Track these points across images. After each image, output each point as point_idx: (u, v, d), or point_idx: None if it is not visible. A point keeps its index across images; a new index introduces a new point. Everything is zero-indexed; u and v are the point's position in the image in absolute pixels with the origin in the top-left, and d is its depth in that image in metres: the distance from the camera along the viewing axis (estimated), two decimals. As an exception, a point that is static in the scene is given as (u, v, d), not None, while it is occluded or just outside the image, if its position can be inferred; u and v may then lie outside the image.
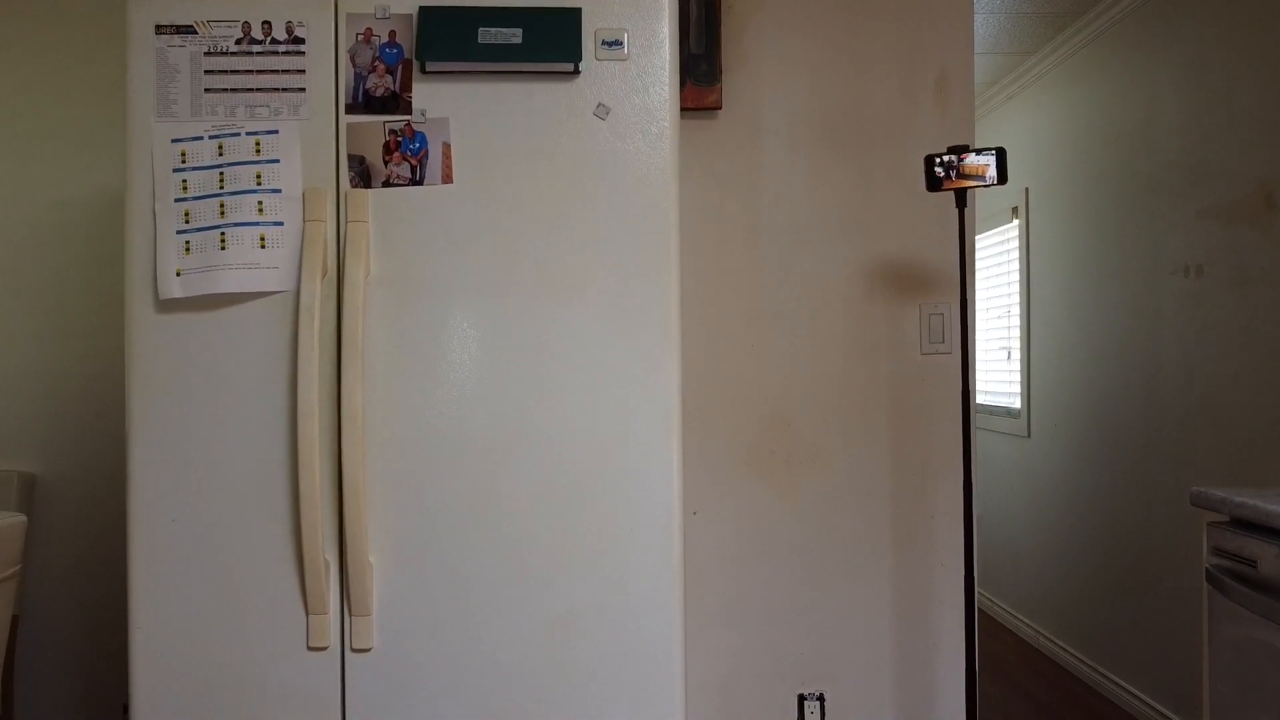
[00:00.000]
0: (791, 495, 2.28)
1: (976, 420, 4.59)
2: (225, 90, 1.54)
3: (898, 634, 2.29)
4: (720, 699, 2.28)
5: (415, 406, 1.56)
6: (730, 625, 2.28)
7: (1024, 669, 3.74)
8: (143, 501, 1.57)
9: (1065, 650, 3.73)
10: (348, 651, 1.57)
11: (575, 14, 1.54)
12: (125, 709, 1.57)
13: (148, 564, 1.57)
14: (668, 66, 1.58)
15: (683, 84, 2.17)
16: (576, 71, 1.56)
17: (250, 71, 1.54)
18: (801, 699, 2.28)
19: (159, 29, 1.54)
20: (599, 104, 1.57)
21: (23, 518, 1.68)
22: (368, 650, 1.56)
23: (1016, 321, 4.22)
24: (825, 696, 2.28)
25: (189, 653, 1.57)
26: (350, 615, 1.56)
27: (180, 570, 1.57)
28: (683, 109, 2.18)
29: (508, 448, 1.57)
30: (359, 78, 1.55)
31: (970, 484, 2.03)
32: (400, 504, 1.56)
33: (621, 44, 1.56)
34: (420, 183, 1.55)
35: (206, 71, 1.54)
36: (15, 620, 2.30)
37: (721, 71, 2.22)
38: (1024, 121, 4.12)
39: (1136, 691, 3.18)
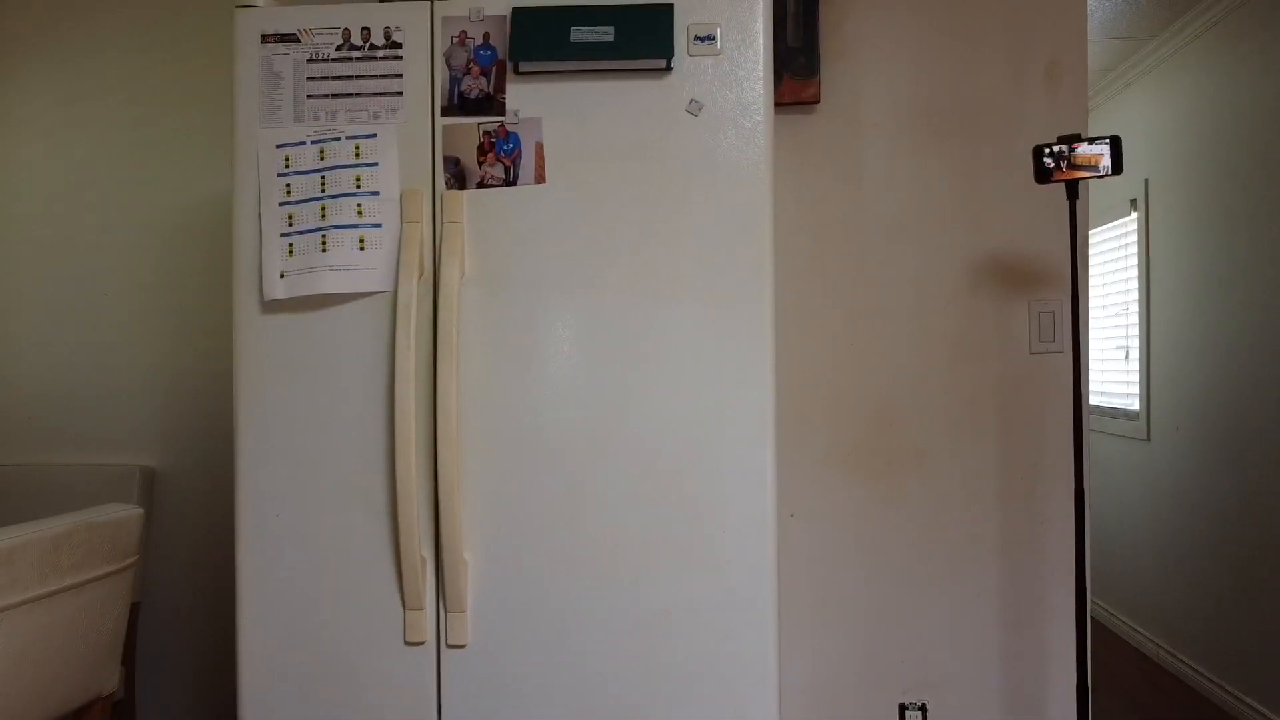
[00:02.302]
0: (893, 498, 2.22)
1: (1090, 422, 4.40)
2: (326, 96, 1.58)
3: (1005, 644, 2.20)
4: (817, 705, 2.24)
5: (509, 404, 1.57)
6: (828, 630, 2.23)
7: (1143, 684, 3.57)
8: (250, 496, 1.62)
9: (1188, 665, 3.55)
10: (443, 647, 1.59)
11: (668, 10, 1.53)
12: (235, 692, 1.63)
13: (254, 556, 1.62)
14: (761, 60, 1.55)
15: (779, 78, 2.13)
16: (669, 68, 1.54)
17: (350, 77, 1.57)
18: (902, 708, 2.21)
19: (264, 38, 1.59)
20: (691, 100, 1.55)
21: (139, 510, 1.76)
22: (463, 646, 1.58)
23: (1135, 319, 4.03)
24: (927, 706, 2.21)
25: (293, 641, 1.61)
26: (446, 611, 1.58)
27: (284, 562, 1.61)
28: (779, 103, 2.15)
29: (600, 446, 1.56)
30: (454, 80, 1.56)
31: (1083, 489, 1.93)
32: (494, 501, 1.57)
33: (714, 39, 1.54)
34: (514, 183, 1.56)
35: (309, 78, 1.58)
36: (137, 607, 2.41)
37: (820, 64, 2.18)
38: (1142, 110, 3.93)
39: (1268, 713, 3.00)
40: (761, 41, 1.55)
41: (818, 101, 2.19)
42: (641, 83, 1.55)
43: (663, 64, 1.54)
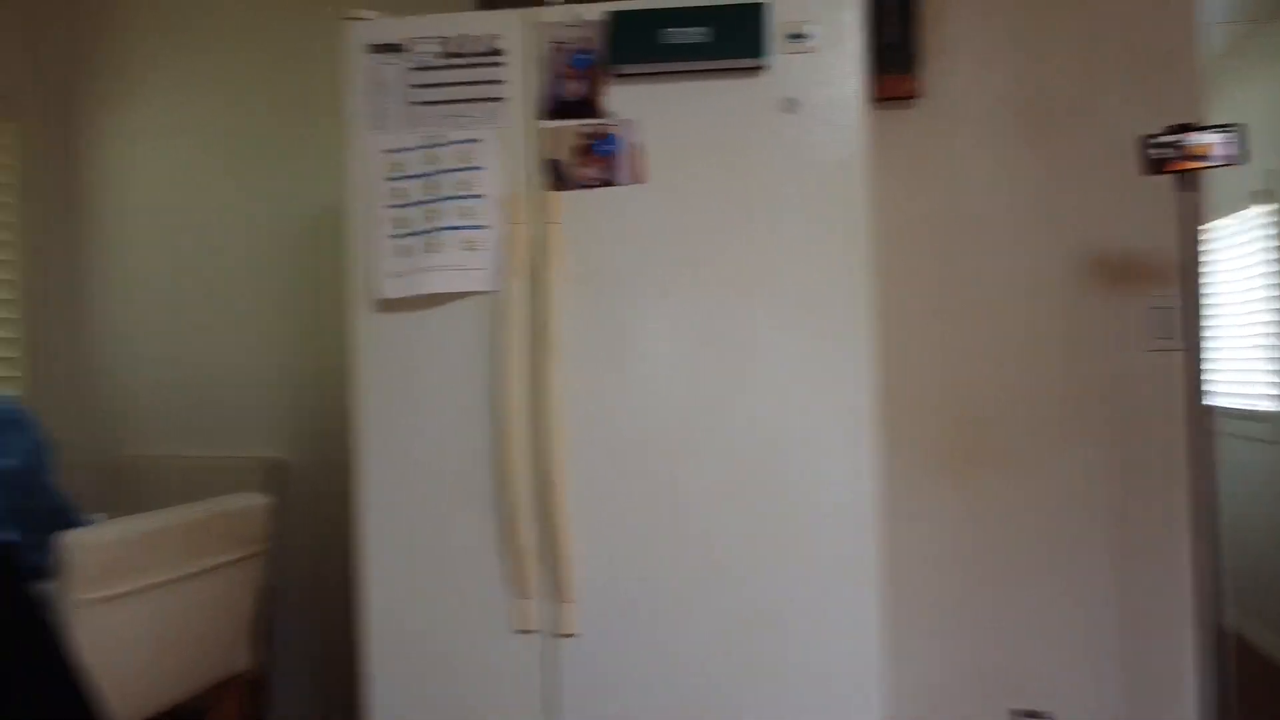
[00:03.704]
0: (997, 501, 2.18)
1: (1213, 423, 4.18)
2: (431, 103, 1.65)
3: (1125, 653, 2.13)
4: (923, 710, 2.21)
5: (608, 401, 1.61)
6: (933, 634, 2.20)
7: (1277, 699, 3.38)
8: (369, 487, 1.71)
9: (1328, 678, 3.34)
10: (552, 636, 1.64)
11: (762, 9, 1.54)
12: (360, 677, 1.72)
13: (374, 545, 1.71)
14: (856, 57, 1.55)
15: (876, 74, 2.12)
16: (763, 66, 1.56)
17: (453, 84, 1.64)
18: (1014, 715, 2.17)
19: (372, 48, 1.67)
20: (786, 98, 1.56)
21: (266, 500, 1.87)
22: (570, 636, 1.63)
23: (1266, 315, 3.82)
24: (1042, 715, 2.16)
25: (410, 626, 1.69)
26: (554, 601, 1.63)
27: (401, 551, 1.69)
28: (877, 99, 2.13)
29: (698, 443, 1.59)
30: (553, 84, 1.61)
31: (1212, 492, 1.86)
32: (596, 495, 1.62)
33: (809, 36, 1.55)
34: (611, 183, 1.60)
35: (414, 85, 1.65)
36: (271, 591, 2.56)
37: (918, 59, 2.15)
38: (1266, 95, 3.72)
39: None
40: (857, 38, 1.55)
41: (916, 97, 2.16)
42: (736, 82, 1.57)
43: (757, 63, 1.55)
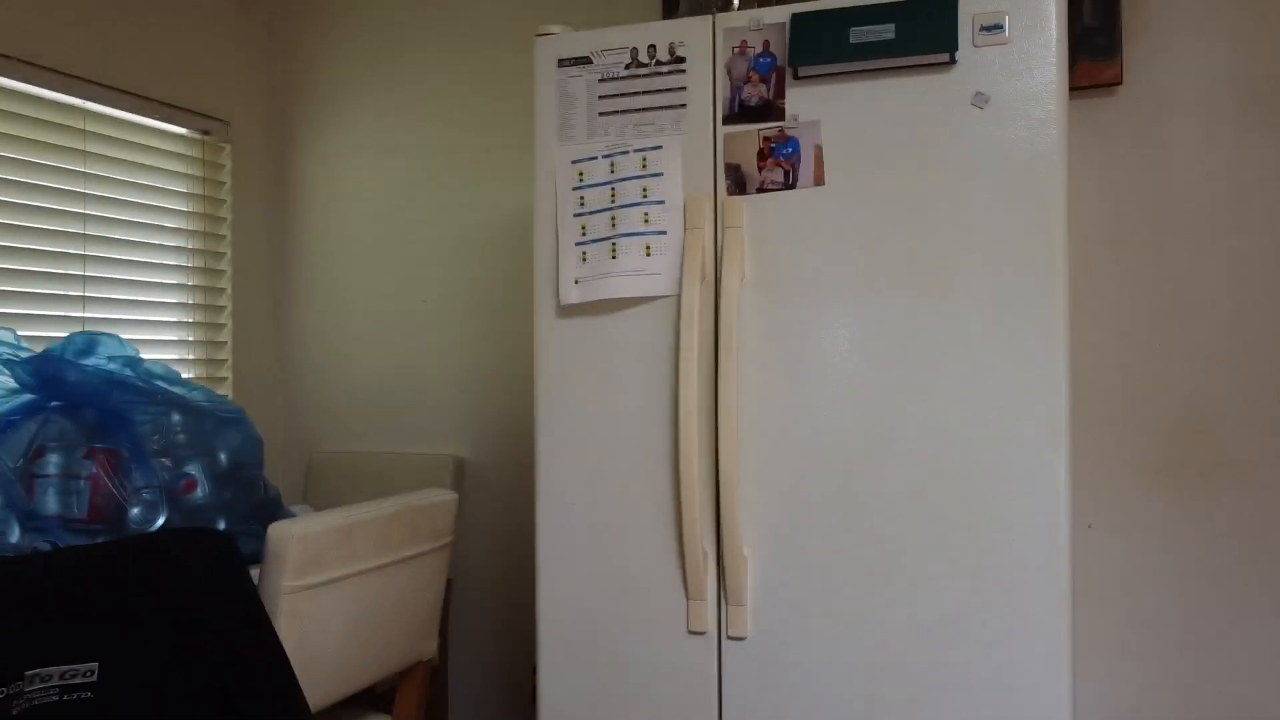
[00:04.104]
0: (1207, 512, 2.02)
1: None
2: (616, 112, 1.68)
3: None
4: (1119, 732, 2.08)
5: (787, 405, 1.59)
6: (1129, 652, 2.06)
7: None
8: (547, 486, 1.75)
9: None
10: (724, 638, 1.64)
11: (951, 2, 1.49)
12: (534, 670, 1.77)
13: (551, 542, 1.75)
14: (1054, 45, 1.47)
15: (1074, 61, 2.01)
16: (952, 61, 1.50)
17: (637, 93, 1.67)
18: (1221, 744, 2.00)
19: (561, 62, 1.72)
20: (977, 92, 1.50)
21: (454, 495, 1.95)
22: (742, 638, 1.62)
23: None
24: (1253, 746, 1.99)
25: (584, 624, 1.73)
26: (727, 604, 1.63)
27: (577, 548, 1.73)
28: (1074, 88, 2.02)
29: (878, 448, 1.55)
30: (734, 89, 1.61)
31: None
32: (773, 499, 1.60)
33: (1002, 27, 1.48)
34: (793, 186, 1.58)
35: (600, 96, 1.69)
36: (450, 583, 2.67)
37: (1121, 43, 2.02)
38: None
39: None
40: (1054, 25, 1.47)
41: (1119, 83, 2.03)
42: (922, 78, 1.52)
43: (946, 58, 1.50)
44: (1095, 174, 2.09)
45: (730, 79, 1.61)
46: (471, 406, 2.71)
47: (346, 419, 2.88)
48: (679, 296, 1.64)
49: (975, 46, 1.49)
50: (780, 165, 1.58)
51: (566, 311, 1.72)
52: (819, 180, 1.57)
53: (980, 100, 1.49)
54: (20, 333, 1.98)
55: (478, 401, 2.70)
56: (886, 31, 1.50)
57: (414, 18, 2.78)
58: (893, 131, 1.54)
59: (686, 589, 1.65)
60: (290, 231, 2.97)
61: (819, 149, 1.57)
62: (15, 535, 1.70)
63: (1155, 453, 2.05)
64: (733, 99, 1.61)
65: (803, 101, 1.58)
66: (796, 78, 1.58)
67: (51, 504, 1.73)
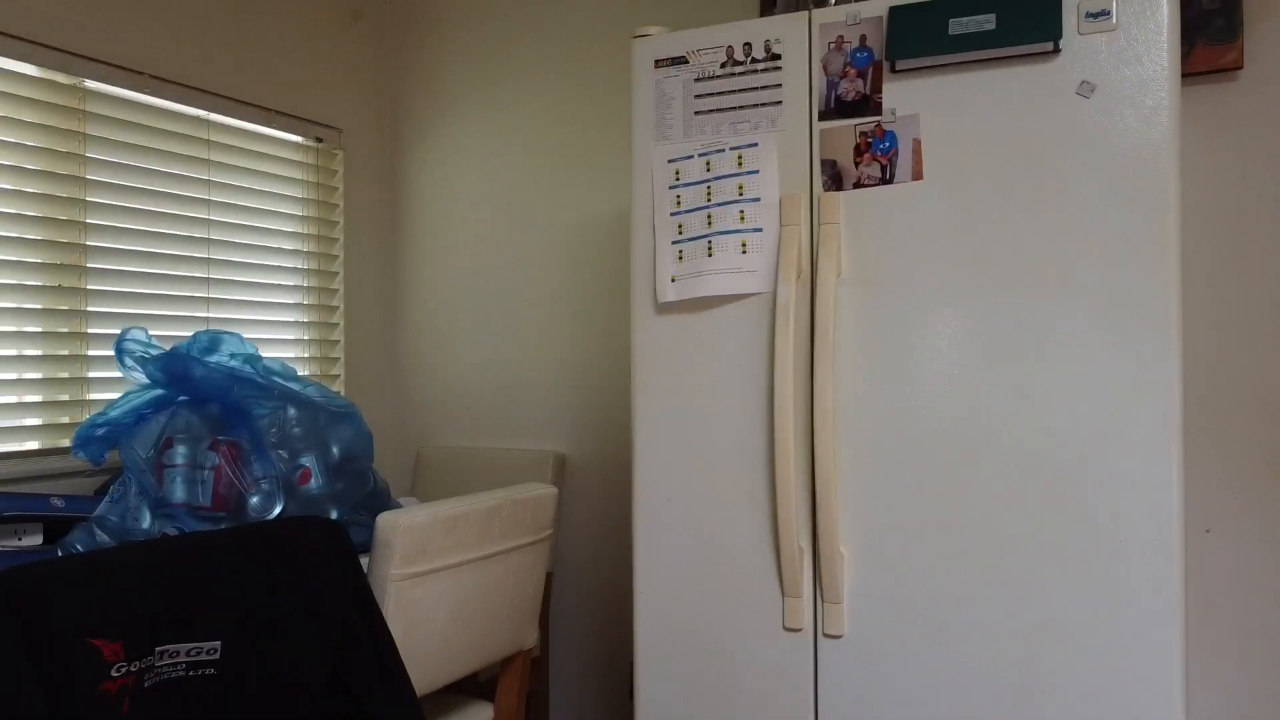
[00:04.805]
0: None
1: None
2: (712, 111, 1.69)
3: None
4: (1240, 746, 1.99)
5: (885, 402, 1.58)
6: (1248, 662, 1.97)
7: None
8: (644, 481, 1.78)
9: None
10: (820, 636, 1.63)
11: (1055, -11, 1.45)
12: (631, 663, 1.79)
13: (648, 536, 1.77)
14: (1166, 29, 1.42)
15: (1189, 45, 1.93)
16: (1056, 50, 1.47)
17: (733, 91, 1.67)
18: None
19: (657, 63, 1.74)
20: (1082, 81, 1.46)
21: (554, 489, 1.99)
22: (839, 636, 1.61)
23: None
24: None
25: (680, 617, 1.74)
26: (823, 601, 1.62)
27: (674, 543, 1.75)
28: (1190, 73, 1.94)
29: (980, 446, 1.52)
30: (830, 84, 1.60)
31: None
32: (870, 497, 1.59)
33: (1109, 13, 1.44)
34: (890, 181, 1.56)
35: (696, 96, 1.70)
36: (550, 576, 2.72)
37: (1242, 25, 1.93)
38: None
39: None
40: (1166, 9, 1.42)
41: (1240, 68, 1.94)
42: (1024, 69, 1.49)
43: (1049, 47, 1.46)
44: (1212, 163, 2.00)
45: (826, 74, 1.61)
46: (571, 403, 2.76)
47: (452, 415, 2.97)
48: (775, 293, 1.64)
49: (1080, 34, 1.45)
50: (878, 160, 1.57)
51: (663, 309, 1.74)
52: (918, 175, 1.55)
53: (1086, 89, 1.45)
54: (150, 332, 2.11)
55: (577, 398, 2.75)
56: (987, 22, 1.47)
57: (515, 22, 2.84)
58: (994, 124, 1.51)
59: (782, 585, 1.65)
60: (399, 234, 3.07)
61: (918, 143, 1.55)
62: (147, 520, 1.81)
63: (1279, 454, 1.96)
64: (829, 94, 1.60)
65: (901, 95, 1.56)
66: (894, 71, 1.56)
67: (179, 492, 1.83)
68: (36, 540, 1.91)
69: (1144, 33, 1.43)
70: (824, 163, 1.61)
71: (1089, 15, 1.45)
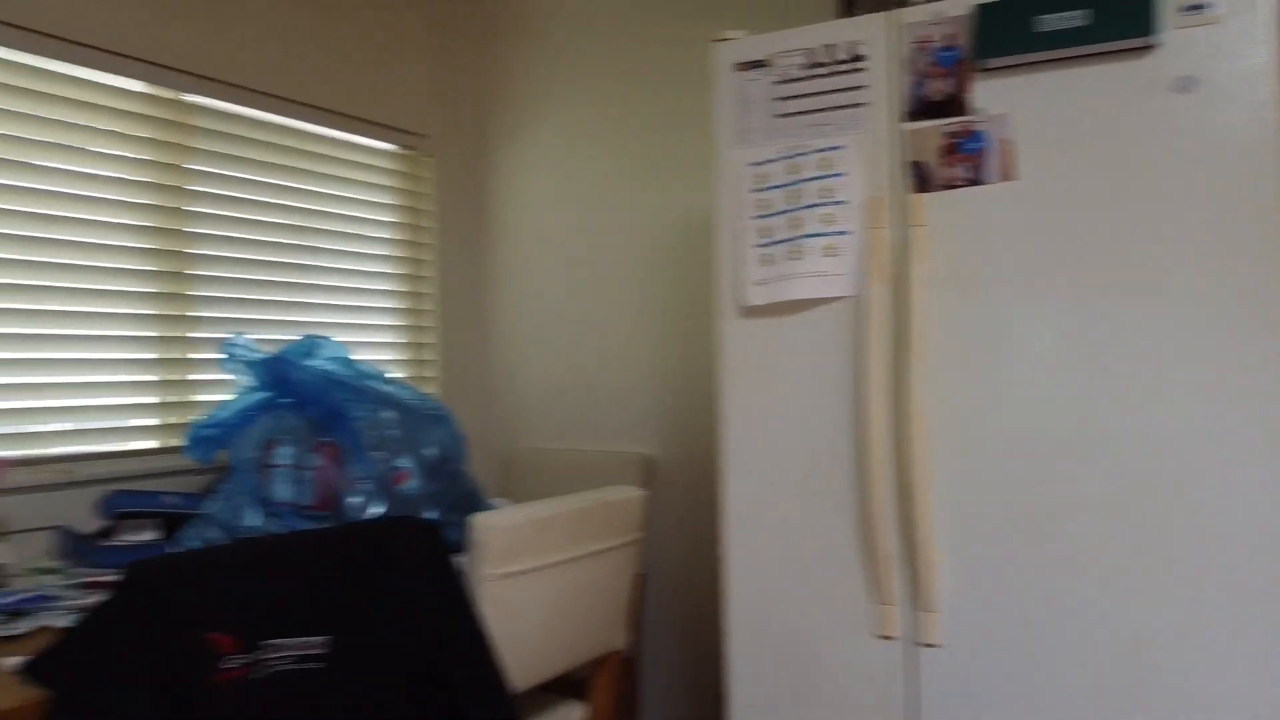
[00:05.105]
0: None
1: None
2: (794, 114, 1.69)
3: None
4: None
5: (976, 407, 1.56)
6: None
7: None
8: (732, 484, 1.79)
9: None
10: (914, 644, 1.62)
11: (1151, -19, 1.41)
12: (721, 666, 1.80)
13: (737, 541, 1.78)
14: (1274, 21, 1.37)
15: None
16: (1152, 45, 1.43)
17: (816, 94, 1.67)
18: None
19: (738, 66, 1.75)
20: (1181, 77, 1.41)
21: (642, 492, 2.02)
22: (933, 645, 1.59)
23: None
24: None
25: (772, 623, 1.75)
26: (916, 609, 1.61)
27: (761, 547, 1.75)
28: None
29: (1077, 453, 1.49)
30: (916, 84, 1.59)
31: None
32: (963, 503, 1.57)
33: (1209, 6, 1.39)
34: (978, 182, 1.54)
35: (778, 99, 1.70)
36: (642, 577, 2.75)
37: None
38: None
39: None
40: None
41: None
42: (1118, 65, 1.45)
43: (1145, 41, 1.42)
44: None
45: (911, 75, 1.59)
46: (658, 405, 2.78)
47: (542, 417, 3.02)
48: (862, 297, 1.63)
49: (1178, 28, 1.41)
50: (965, 161, 1.55)
51: (748, 313, 1.75)
52: (1007, 175, 1.52)
53: (1185, 85, 1.41)
54: (253, 336, 2.21)
55: (664, 400, 2.77)
56: (1079, 17, 1.44)
57: (597, 29, 2.88)
58: (1089, 122, 1.48)
59: (873, 592, 1.64)
60: (488, 238, 3.14)
61: (1008, 143, 1.52)
62: (254, 518, 1.90)
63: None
64: (914, 95, 1.59)
65: (989, 94, 1.54)
66: (982, 70, 1.54)
67: (284, 491, 1.92)
68: (154, 535, 2.02)
69: (1251, 24, 1.38)
70: (910, 164, 1.60)
71: (1187, 8, 1.40)
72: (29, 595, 1.66)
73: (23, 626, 1.52)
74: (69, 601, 1.65)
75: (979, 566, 1.56)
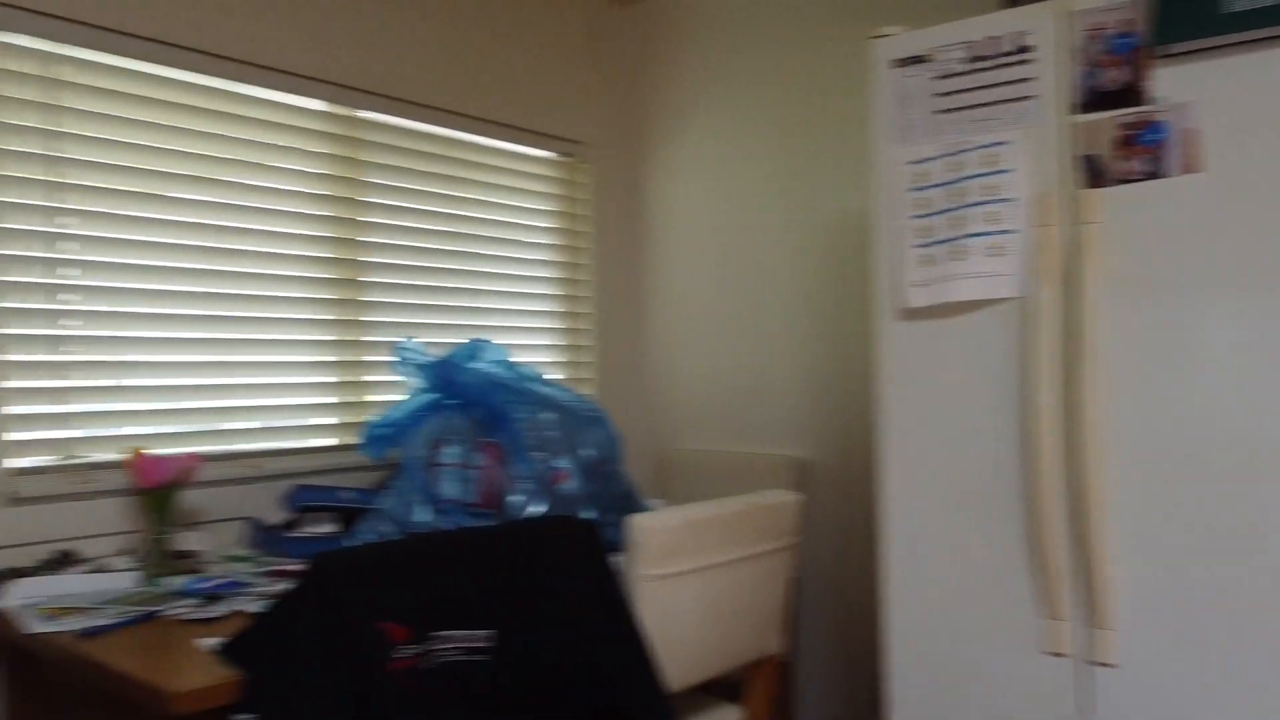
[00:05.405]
0: None
1: None
2: (956, 110, 1.64)
3: None
4: None
5: (1157, 413, 1.47)
6: None
7: None
8: (890, 490, 1.75)
9: None
10: (1087, 663, 1.54)
11: (1358, -49, 1.30)
12: (880, 674, 1.77)
13: (895, 547, 1.75)
14: None
15: None
16: (1360, 20, 1.31)
17: (979, 88, 1.61)
18: None
19: (896, 63, 1.71)
20: (1393, 53, 1.29)
21: (797, 497, 2.00)
22: (1108, 665, 1.52)
23: None
24: None
25: (932, 633, 1.70)
26: (1089, 626, 1.53)
27: (922, 555, 1.71)
28: None
29: (1266, 466, 1.38)
30: (1087, 75, 1.51)
31: None
32: (1143, 515, 1.48)
33: None
34: (1158, 175, 1.46)
35: (938, 94, 1.66)
36: (796, 582, 2.73)
37: None
38: None
39: None
40: None
41: None
42: (1321, 44, 1.34)
43: (1351, 17, 1.31)
44: None
45: (1082, 64, 1.52)
46: (813, 408, 2.75)
47: (696, 418, 3.03)
48: (1029, 298, 1.57)
49: (1390, 1, 1.29)
50: (1144, 153, 1.47)
51: (907, 315, 1.71)
52: (1192, 167, 1.43)
53: (1398, 62, 1.29)
54: (421, 340, 2.31)
55: (819, 403, 2.73)
56: (1273, -5, 1.34)
57: (750, 30, 2.87)
58: (1283, 106, 1.37)
59: (1042, 606, 1.58)
60: (644, 242, 3.18)
61: (1192, 133, 1.43)
62: (423, 514, 1.99)
63: None
64: (1086, 85, 1.51)
65: (1169, 82, 1.45)
66: (1162, 56, 1.45)
67: (450, 489, 2.00)
68: (332, 528, 2.14)
69: None
70: (1081, 158, 1.52)
71: (1401, -22, 1.28)
72: (222, 581, 1.80)
73: (218, 610, 1.64)
74: (258, 588, 1.78)
75: (1159, 584, 1.47)
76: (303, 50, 2.34)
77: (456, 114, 2.69)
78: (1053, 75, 1.55)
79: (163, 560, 1.85)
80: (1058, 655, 1.56)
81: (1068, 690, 1.56)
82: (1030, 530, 1.59)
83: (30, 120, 1.93)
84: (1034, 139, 1.57)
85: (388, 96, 2.53)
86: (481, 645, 1.48)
